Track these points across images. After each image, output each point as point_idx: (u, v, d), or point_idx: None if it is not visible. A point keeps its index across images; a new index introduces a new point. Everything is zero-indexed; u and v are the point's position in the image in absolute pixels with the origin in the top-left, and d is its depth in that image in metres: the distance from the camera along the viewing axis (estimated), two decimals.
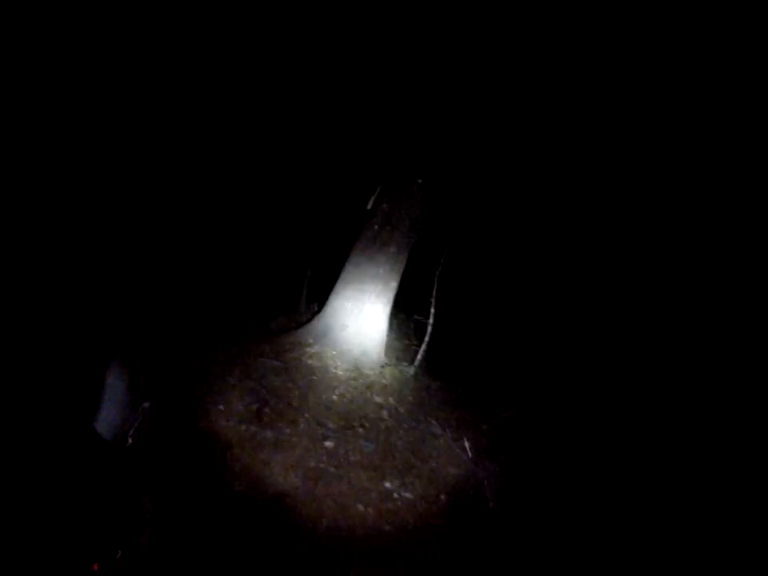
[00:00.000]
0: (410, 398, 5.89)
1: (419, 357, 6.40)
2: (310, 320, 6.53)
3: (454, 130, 6.28)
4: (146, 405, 1.92)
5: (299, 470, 3.95)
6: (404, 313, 7.66)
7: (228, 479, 3.64)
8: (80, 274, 4.81)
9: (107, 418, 1.80)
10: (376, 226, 6.30)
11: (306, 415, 4.77)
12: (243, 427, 4.26)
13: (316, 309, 6.93)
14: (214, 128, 7.14)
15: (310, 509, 3.68)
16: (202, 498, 3.41)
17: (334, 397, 5.37)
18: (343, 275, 6.38)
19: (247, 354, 5.47)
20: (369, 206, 6.40)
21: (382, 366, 6.28)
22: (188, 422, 4.10)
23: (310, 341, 6.17)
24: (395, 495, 4.10)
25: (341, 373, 5.88)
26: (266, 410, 4.62)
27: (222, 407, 4.42)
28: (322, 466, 4.09)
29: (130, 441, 1.87)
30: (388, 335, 6.54)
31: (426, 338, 6.45)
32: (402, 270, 6.47)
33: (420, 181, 6.27)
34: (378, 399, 5.67)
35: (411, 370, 6.29)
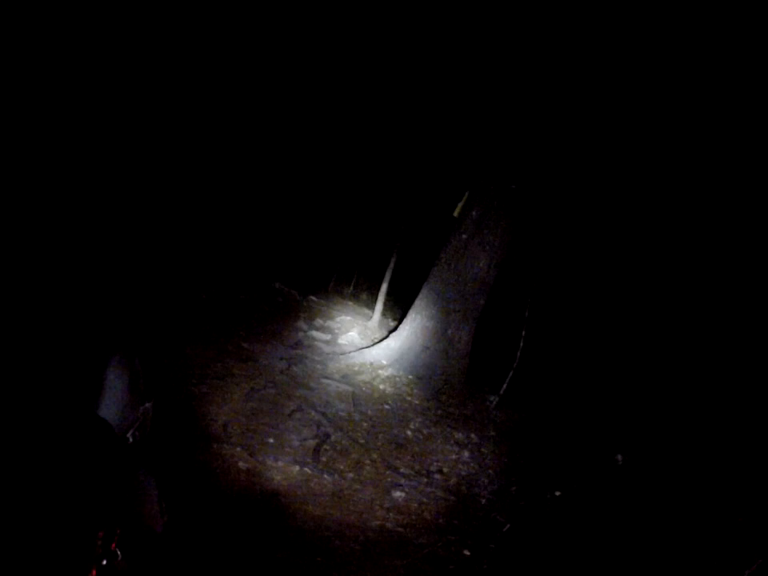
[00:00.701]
0: (493, 433, 5.07)
1: (504, 386, 5.52)
2: (384, 338, 5.80)
3: (557, 130, 5.42)
4: (148, 405, 1.85)
5: (360, 530, 3.19)
6: (489, 335, 6.81)
7: (269, 540, 2.93)
8: (80, 273, 4.56)
9: (106, 416, 1.68)
10: (464, 236, 5.51)
11: (374, 456, 4.02)
12: (296, 469, 3.56)
13: (392, 326, 6.20)
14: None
15: None
16: (233, 563, 2.73)
17: (408, 432, 4.61)
18: (425, 291, 5.62)
19: (310, 375, 4.81)
20: (456, 213, 5.62)
21: (464, 395, 5.47)
22: (231, 460, 3.45)
23: (384, 362, 5.44)
24: (478, 567, 3.28)
25: (417, 402, 5.12)
26: (326, 446, 3.91)
27: (272, 440, 3.74)
28: (389, 525, 3.32)
29: (130, 439, 1.80)
30: (471, 360, 5.72)
31: (514, 365, 5.56)
32: (490, 288, 5.65)
33: (514, 187, 5.44)
34: (459, 435, 4.87)
35: (495, 400, 5.45)
